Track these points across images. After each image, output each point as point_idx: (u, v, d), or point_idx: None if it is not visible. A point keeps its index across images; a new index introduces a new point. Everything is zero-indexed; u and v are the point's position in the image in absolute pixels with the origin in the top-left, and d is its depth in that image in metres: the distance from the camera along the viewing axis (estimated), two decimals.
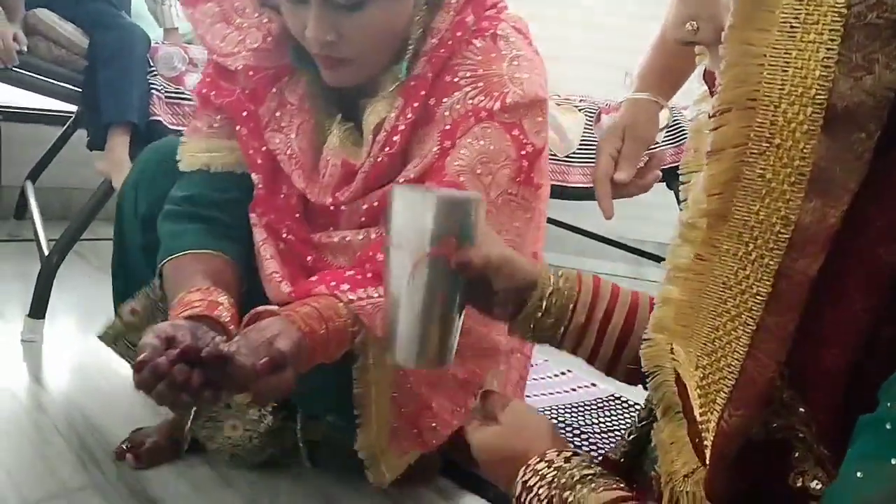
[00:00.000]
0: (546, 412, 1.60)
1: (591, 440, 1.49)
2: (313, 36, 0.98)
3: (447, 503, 1.23)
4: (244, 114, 1.09)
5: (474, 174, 0.99)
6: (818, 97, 0.46)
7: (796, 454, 0.51)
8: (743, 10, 0.48)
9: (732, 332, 0.51)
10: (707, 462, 0.54)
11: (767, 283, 0.49)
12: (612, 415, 1.64)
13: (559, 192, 2.58)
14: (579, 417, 1.61)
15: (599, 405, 1.68)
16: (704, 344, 0.53)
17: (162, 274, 1.04)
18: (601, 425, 1.57)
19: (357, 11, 0.96)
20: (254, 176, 1.09)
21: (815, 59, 0.46)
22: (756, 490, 0.53)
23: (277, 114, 1.09)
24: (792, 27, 0.47)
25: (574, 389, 1.79)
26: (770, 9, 0.48)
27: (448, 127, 1.01)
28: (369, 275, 0.98)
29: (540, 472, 0.67)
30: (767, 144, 0.48)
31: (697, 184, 0.56)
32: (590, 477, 0.64)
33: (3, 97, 2.36)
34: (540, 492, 0.65)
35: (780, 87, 0.47)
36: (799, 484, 0.50)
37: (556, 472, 0.66)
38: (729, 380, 0.51)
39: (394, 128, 1.02)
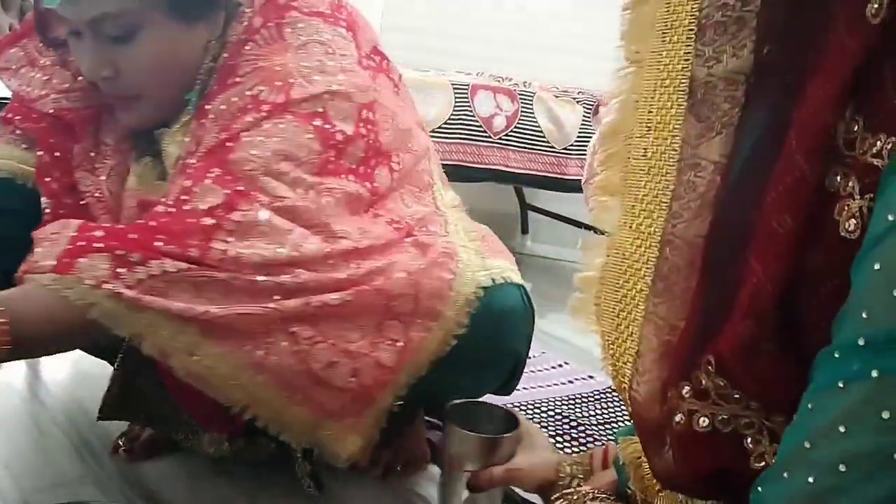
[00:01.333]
0: (543, 404, 1.61)
1: (588, 432, 1.50)
2: (86, 70, 0.97)
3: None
4: (51, 140, 1.05)
5: (273, 174, 0.93)
6: (681, 86, 0.56)
7: (748, 441, 0.53)
8: (633, 25, 0.61)
9: (631, 301, 0.59)
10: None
11: (655, 248, 0.57)
12: (609, 407, 1.64)
13: (557, 184, 2.59)
14: (576, 409, 1.62)
15: (596, 397, 1.69)
16: (611, 319, 0.61)
17: None
18: (598, 417, 1.58)
19: (128, 44, 0.95)
20: (45, 200, 1.04)
21: (678, 56, 0.57)
22: (723, 472, 0.55)
23: (92, 154, 1.06)
24: (663, 33, 0.57)
25: (571, 381, 1.80)
26: (651, 22, 0.58)
27: (225, 120, 0.96)
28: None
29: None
30: (647, 129, 0.58)
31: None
32: None
33: None
34: None
35: (654, 81, 0.58)
36: (762, 465, 0.52)
37: None
38: (632, 349, 0.58)
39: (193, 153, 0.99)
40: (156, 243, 0.87)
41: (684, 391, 0.52)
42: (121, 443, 1.22)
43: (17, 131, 1.08)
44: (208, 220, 0.89)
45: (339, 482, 1.21)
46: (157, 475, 1.18)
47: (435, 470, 1.27)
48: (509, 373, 1.18)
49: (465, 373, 1.08)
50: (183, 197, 0.92)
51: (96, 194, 1.05)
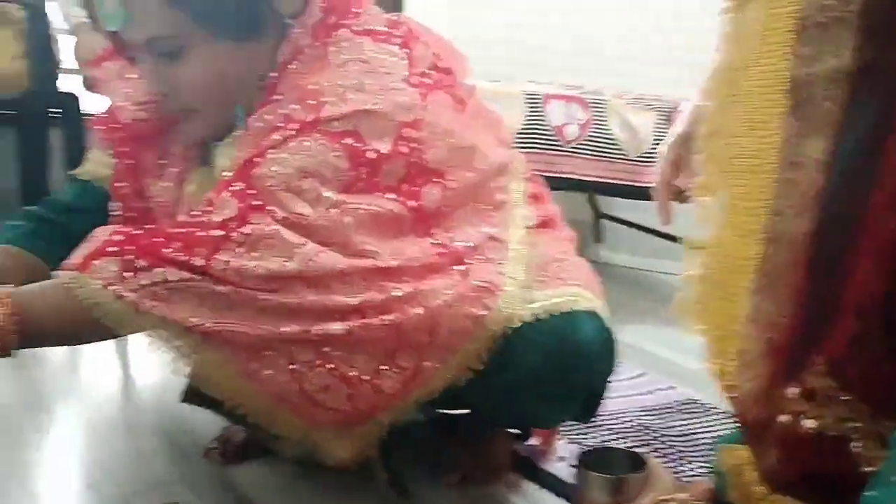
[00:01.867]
0: (622, 415, 1.59)
1: (670, 443, 1.47)
2: (147, 86, 1.05)
3: (520, 499, 1.23)
4: (126, 148, 1.14)
5: (293, 190, 0.94)
6: (782, 86, 0.57)
7: (855, 444, 0.53)
8: (733, 28, 0.62)
9: (735, 299, 0.59)
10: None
11: (758, 246, 0.57)
12: (690, 418, 1.61)
13: (631, 192, 2.56)
14: (657, 420, 1.59)
15: (678, 408, 1.66)
16: (715, 317, 0.61)
17: None
18: (680, 428, 1.55)
19: (181, 62, 1.00)
20: (114, 204, 1.15)
21: (778, 57, 0.57)
22: (828, 475, 0.54)
23: (159, 162, 1.13)
24: (763, 35, 0.58)
25: (651, 392, 1.77)
26: (750, 25, 0.59)
27: (258, 137, 0.99)
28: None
29: None
30: (748, 129, 0.59)
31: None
32: None
33: None
34: None
35: (755, 83, 0.59)
36: (869, 470, 0.52)
37: None
38: (736, 347, 0.59)
39: None
40: (164, 250, 0.91)
41: (790, 392, 0.52)
42: (213, 446, 1.26)
43: (103, 139, 1.18)
44: (218, 232, 0.93)
45: (420, 486, 1.22)
46: (249, 479, 1.21)
47: (516, 478, 1.27)
48: (583, 404, 1.15)
49: (527, 401, 1.08)
50: (204, 209, 0.96)
51: (160, 200, 1.12)
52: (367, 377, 0.97)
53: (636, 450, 1.09)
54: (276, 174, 0.95)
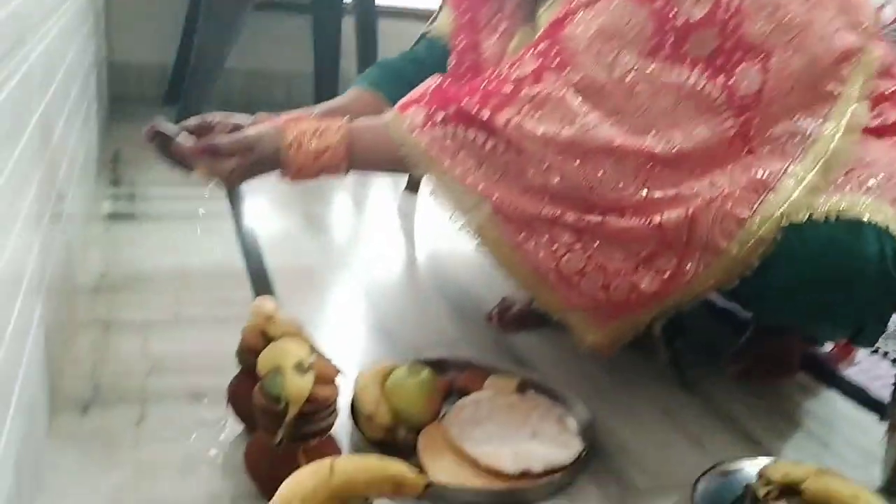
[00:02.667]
0: None
1: None
2: None
3: (808, 399, 1.18)
4: (465, 4, 1.22)
5: (592, 52, 0.94)
6: None
7: None
8: None
9: None
10: None
11: None
12: None
13: None
14: None
15: None
16: None
17: None
18: None
19: None
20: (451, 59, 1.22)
21: None
22: None
23: (496, 17, 1.17)
24: None
25: None
26: None
27: None
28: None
29: None
30: None
31: None
32: None
33: None
34: None
35: None
36: None
37: None
38: None
39: None
40: (461, 104, 0.98)
41: None
42: (494, 312, 1.33)
43: None
44: (509, 88, 0.97)
45: (700, 374, 1.21)
46: (527, 345, 1.27)
47: (803, 378, 1.23)
48: (860, 325, 1.03)
49: (795, 308, 1.01)
50: (509, 65, 1.01)
51: (489, 55, 1.18)
52: (625, 273, 0.96)
53: None
54: (579, 35, 0.96)
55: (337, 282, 1.46)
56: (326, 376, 0.83)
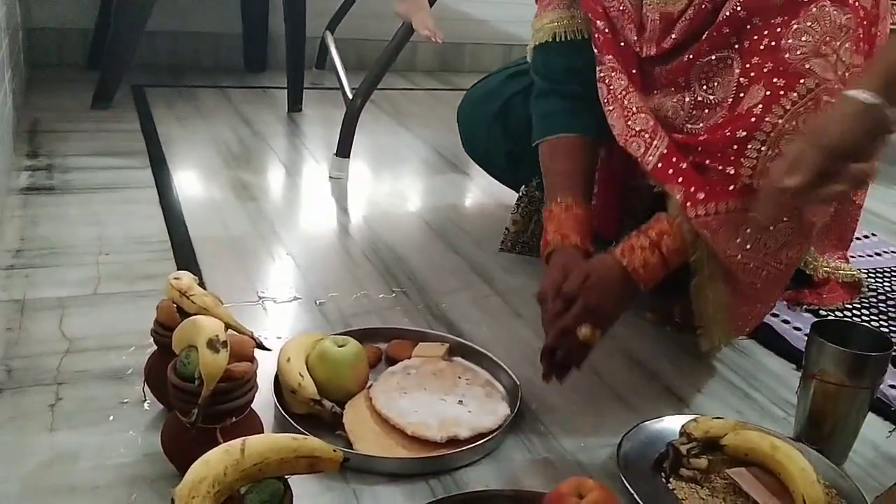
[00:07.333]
0: None
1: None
2: None
3: (735, 353, 1.20)
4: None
5: (820, 56, 0.94)
6: None
7: None
8: None
9: None
10: None
11: None
12: None
13: None
14: (884, 283, 1.48)
15: None
16: None
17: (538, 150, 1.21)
18: None
19: None
20: (598, 23, 1.12)
21: None
22: None
23: None
24: None
25: (878, 254, 1.65)
26: None
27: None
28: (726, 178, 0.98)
29: None
30: None
31: None
32: None
33: None
34: None
35: None
36: None
37: None
38: None
39: None
40: (706, 161, 0.98)
41: None
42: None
43: None
44: (742, 133, 0.95)
45: (623, 327, 1.22)
46: (456, 308, 1.27)
47: None
48: None
49: None
50: (730, 95, 0.99)
51: (620, 8, 1.11)
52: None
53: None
54: (805, 43, 0.94)
55: (265, 252, 1.43)
56: (243, 352, 0.81)
